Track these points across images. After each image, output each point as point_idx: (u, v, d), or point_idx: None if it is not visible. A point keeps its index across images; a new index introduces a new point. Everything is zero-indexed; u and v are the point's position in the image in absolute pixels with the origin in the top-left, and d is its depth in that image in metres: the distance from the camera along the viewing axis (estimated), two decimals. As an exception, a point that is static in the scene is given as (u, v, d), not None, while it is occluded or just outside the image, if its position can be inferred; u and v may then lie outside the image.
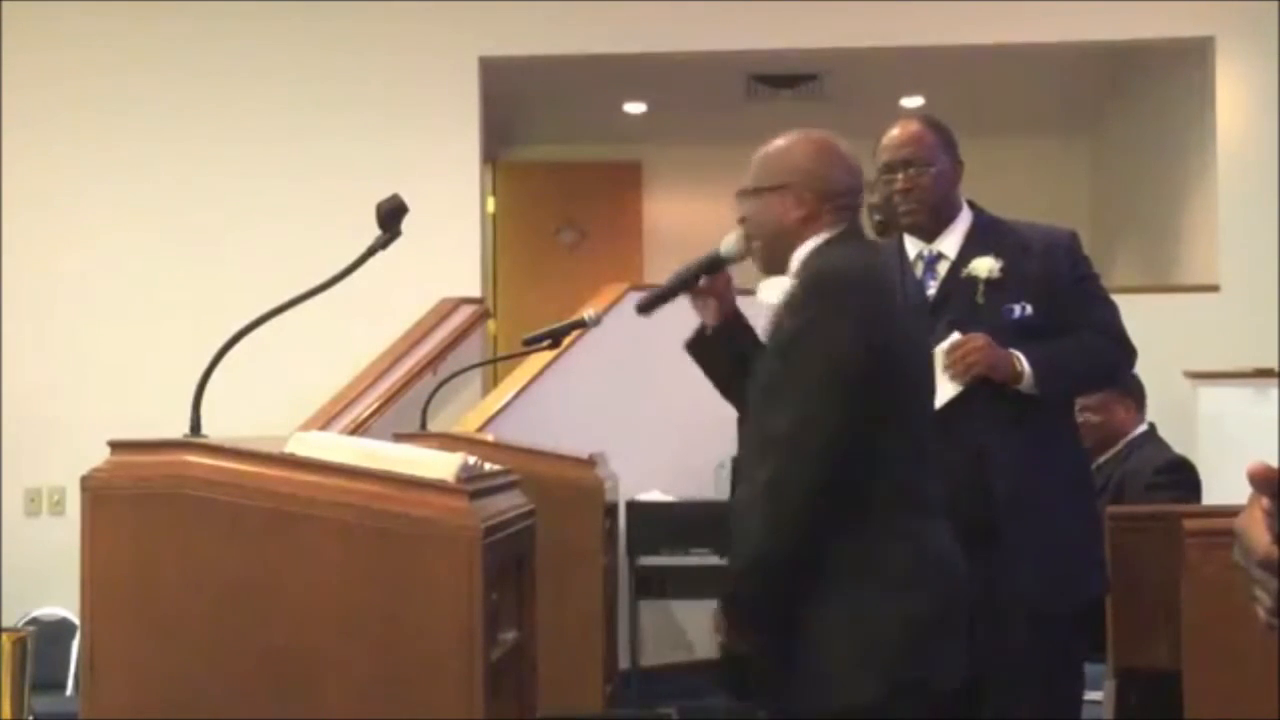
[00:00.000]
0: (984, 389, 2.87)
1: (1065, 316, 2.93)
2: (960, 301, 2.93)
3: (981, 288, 2.91)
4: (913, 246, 3.02)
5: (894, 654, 2.32)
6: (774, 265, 2.54)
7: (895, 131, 3.03)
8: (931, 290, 2.97)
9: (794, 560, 2.29)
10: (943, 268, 2.98)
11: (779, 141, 2.57)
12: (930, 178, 2.97)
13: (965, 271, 2.93)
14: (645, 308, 2.68)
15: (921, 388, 2.51)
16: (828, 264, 2.43)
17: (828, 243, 2.48)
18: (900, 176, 2.99)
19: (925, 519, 2.42)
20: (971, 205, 3.05)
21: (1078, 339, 2.94)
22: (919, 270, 3.00)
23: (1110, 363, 3.06)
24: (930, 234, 3.00)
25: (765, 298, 2.50)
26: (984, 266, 2.91)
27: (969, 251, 2.95)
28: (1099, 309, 3.01)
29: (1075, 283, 2.98)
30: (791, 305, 2.40)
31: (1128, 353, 3.05)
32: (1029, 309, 2.90)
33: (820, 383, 2.30)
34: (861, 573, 2.33)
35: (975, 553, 2.81)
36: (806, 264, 2.46)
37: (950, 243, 2.99)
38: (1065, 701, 2.95)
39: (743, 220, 2.59)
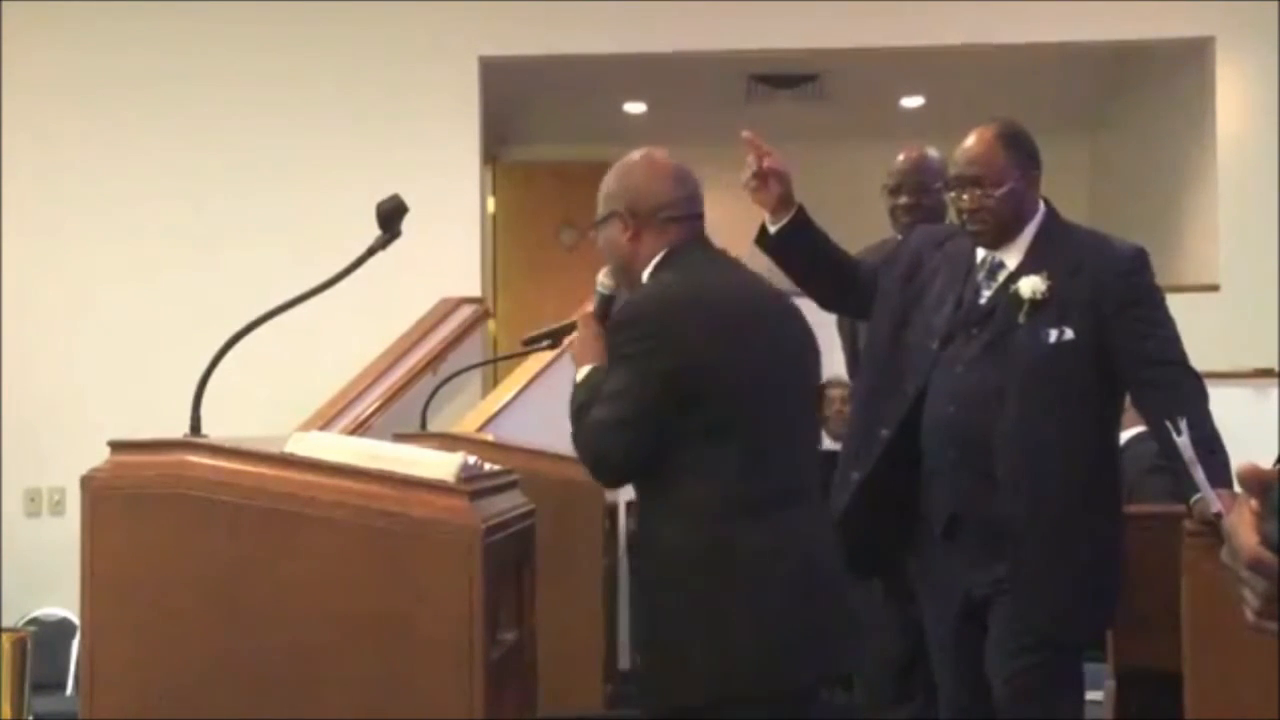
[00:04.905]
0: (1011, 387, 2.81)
1: (1114, 341, 2.83)
2: (1004, 317, 2.85)
3: (1026, 307, 2.82)
4: (981, 249, 2.94)
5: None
6: (635, 288, 2.54)
7: (968, 143, 2.92)
8: (984, 299, 2.89)
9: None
10: (1001, 277, 2.90)
11: (608, 172, 2.59)
12: (996, 200, 2.86)
13: (1014, 288, 2.85)
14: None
15: (762, 392, 2.43)
16: (633, 301, 2.45)
17: (658, 266, 2.48)
18: (966, 196, 2.89)
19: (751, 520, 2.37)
20: (1047, 205, 2.95)
21: (1189, 417, 2.60)
22: (981, 274, 2.92)
23: (1203, 396, 2.84)
24: (996, 243, 2.91)
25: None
26: (1029, 287, 2.83)
27: (1028, 264, 2.87)
28: (1154, 339, 2.86)
29: (1126, 307, 2.84)
30: (610, 334, 2.44)
31: (1195, 375, 2.87)
32: (1069, 333, 2.80)
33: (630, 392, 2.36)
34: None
35: (986, 559, 2.83)
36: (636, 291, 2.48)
37: (1013, 253, 2.90)
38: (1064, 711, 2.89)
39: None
